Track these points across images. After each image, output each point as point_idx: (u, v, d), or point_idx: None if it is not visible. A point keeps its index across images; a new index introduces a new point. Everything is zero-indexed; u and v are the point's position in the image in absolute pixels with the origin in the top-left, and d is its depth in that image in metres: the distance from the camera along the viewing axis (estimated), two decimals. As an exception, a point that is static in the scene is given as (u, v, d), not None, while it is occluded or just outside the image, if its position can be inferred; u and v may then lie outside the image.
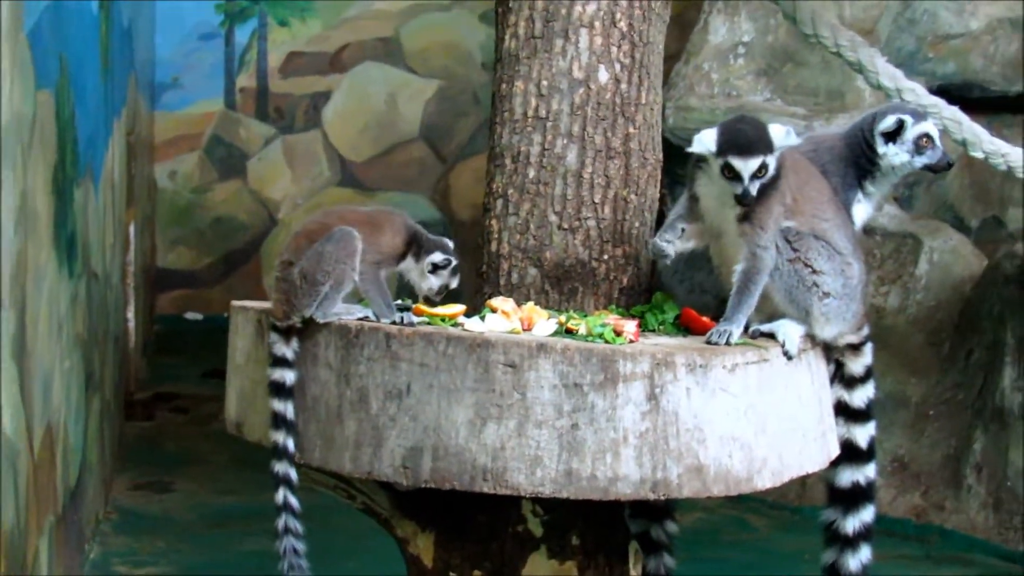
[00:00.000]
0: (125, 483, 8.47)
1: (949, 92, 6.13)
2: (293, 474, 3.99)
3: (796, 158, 4.25)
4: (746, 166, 3.99)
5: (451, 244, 4.23)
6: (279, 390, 3.97)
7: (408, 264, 4.18)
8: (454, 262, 4.17)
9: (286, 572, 4.02)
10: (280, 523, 4.01)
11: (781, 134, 4.03)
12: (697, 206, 4.18)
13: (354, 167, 14.53)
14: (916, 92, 4.91)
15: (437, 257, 4.15)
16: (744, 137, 4.03)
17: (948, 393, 8.27)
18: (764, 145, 4.00)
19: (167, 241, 14.20)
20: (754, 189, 4.00)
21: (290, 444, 3.97)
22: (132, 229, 10.66)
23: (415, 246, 4.18)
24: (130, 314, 10.43)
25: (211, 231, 14.43)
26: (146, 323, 11.99)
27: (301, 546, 4.02)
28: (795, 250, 4.09)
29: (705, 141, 4.04)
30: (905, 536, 7.88)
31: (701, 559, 7.54)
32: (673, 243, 4.13)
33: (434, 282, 4.18)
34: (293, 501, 4.00)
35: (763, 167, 3.99)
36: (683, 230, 4.18)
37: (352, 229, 4.04)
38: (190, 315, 14.21)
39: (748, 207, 4.03)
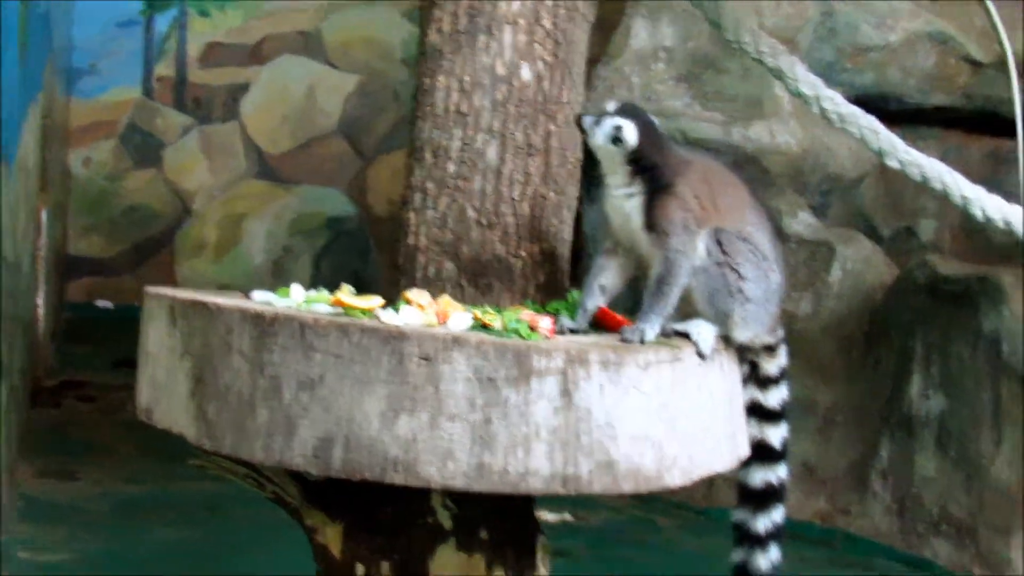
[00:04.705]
0: (31, 471, 8.38)
1: (866, 103, 6.15)
2: None
3: (709, 166, 4.27)
4: None
5: None
6: None
7: None
8: None
9: None
10: None
11: None
12: (609, 232, 4.21)
13: (271, 159, 14.44)
14: (835, 100, 4.95)
15: None
16: None
17: (856, 400, 8.36)
18: None
19: (79, 228, 14.02)
20: None
21: None
22: (44, 215, 10.55)
23: None
24: (39, 301, 10.31)
25: (124, 219, 14.27)
26: (56, 310, 11.85)
27: None
28: (725, 253, 4.09)
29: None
30: (810, 540, 7.96)
31: (607, 559, 7.59)
32: (580, 323, 4.17)
33: None
34: None
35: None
36: (602, 288, 4.20)
37: None
38: (100, 303, 14.05)
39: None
